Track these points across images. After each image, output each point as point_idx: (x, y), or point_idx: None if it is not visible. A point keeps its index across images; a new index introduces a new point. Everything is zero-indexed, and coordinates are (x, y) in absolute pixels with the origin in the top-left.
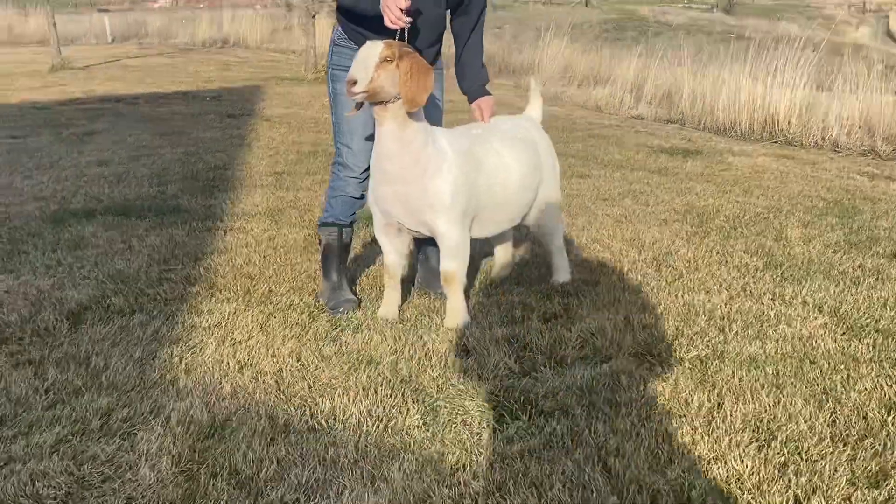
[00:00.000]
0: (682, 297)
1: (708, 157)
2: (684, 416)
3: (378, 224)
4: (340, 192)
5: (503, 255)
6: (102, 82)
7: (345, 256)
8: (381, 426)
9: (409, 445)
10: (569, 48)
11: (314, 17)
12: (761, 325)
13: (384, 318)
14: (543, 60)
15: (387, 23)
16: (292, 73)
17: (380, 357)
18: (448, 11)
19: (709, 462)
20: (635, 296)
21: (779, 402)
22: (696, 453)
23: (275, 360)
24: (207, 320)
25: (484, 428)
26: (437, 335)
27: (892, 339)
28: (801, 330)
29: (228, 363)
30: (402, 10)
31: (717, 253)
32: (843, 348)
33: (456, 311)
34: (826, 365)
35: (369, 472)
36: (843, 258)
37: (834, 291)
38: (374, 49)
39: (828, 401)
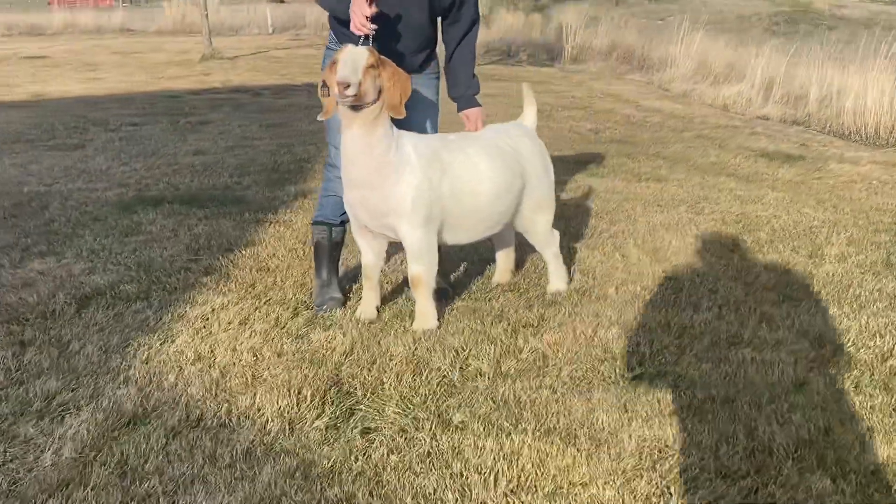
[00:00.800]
0: (667, 312)
1: (809, 164)
2: (581, 437)
3: (353, 226)
4: (331, 192)
5: (504, 260)
6: (242, 73)
7: (335, 255)
8: (286, 426)
9: (296, 448)
10: (708, 42)
11: None
12: (728, 347)
13: (361, 317)
14: (678, 56)
15: (352, 28)
16: None
17: (330, 357)
18: (440, 19)
19: (576, 486)
20: (618, 309)
21: (685, 430)
22: (569, 477)
23: (232, 354)
24: (196, 311)
25: (378, 435)
26: (396, 338)
27: (860, 370)
28: (764, 355)
29: (188, 355)
30: (367, 18)
31: (734, 268)
32: (799, 378)
33: (423, 314)
34: (767, 394)
35: (241, 473)
36: (867, 280)
37: (831, 315)
38: (361, 54)
39: (741, 433)
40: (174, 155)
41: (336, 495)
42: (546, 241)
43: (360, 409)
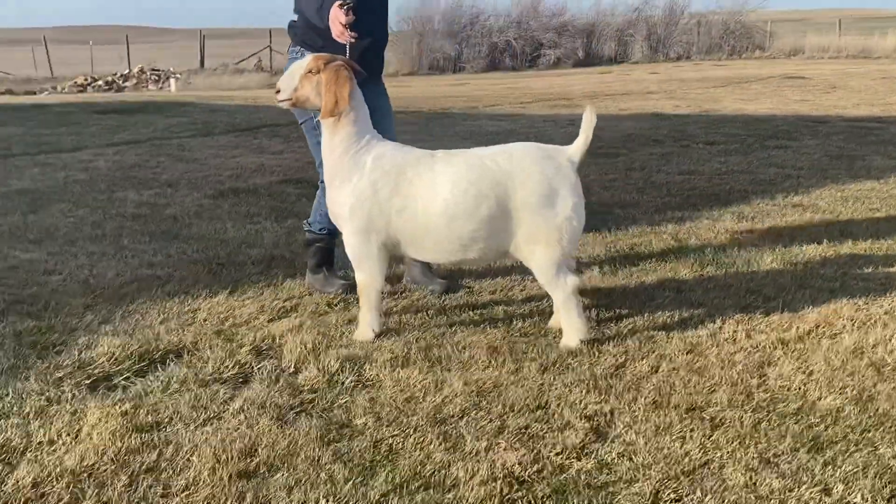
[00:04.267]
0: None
1: None
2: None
3: None
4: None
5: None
6: None
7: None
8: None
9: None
10: None
11: None
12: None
13: None
14: None
15: (334, 37)
16: None
17: (228, 349)
18: None
19: None
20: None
21: None
22: None
23: (208, 323)
24: (288, 283)
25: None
26: (300, 336)
27: None
28: None
29: (181, 311)
30: (343, 26)
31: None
32: None
33: (360, 324)
34: None
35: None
36: None
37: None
38: (302, 61)
39: None
40: (654, 172)
41: None
42: (549, 282)
43: (140, 376)
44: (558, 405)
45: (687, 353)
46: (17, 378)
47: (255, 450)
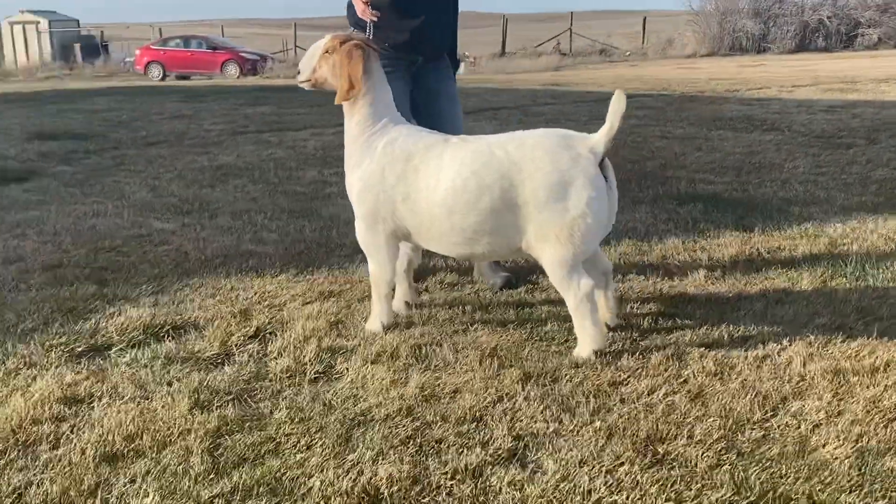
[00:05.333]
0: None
1: None
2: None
3: None
4: None
5: (601, 302)
6: None
7: None
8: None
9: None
10: None
11: None
12: None
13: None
14: None
15: (358, 14)
16: None
17: (230, 330)
18: None
19: None
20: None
21: None
22: None
23: (240, 300)
24: (323, 274)
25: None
26: (309, 321)
27: None
28: None
29: (214, 291)
30: (365, 4)
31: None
32: None
33: (371, 315)
34: None
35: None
36: None
37: None
38: (321, 41)
39: None
40: (879, 167)
41: None
42: (560, 284)
43: (133, 348)
44: (499, 419)
45: (707, 376)
46: (22, 340)
47: (142, 434)
